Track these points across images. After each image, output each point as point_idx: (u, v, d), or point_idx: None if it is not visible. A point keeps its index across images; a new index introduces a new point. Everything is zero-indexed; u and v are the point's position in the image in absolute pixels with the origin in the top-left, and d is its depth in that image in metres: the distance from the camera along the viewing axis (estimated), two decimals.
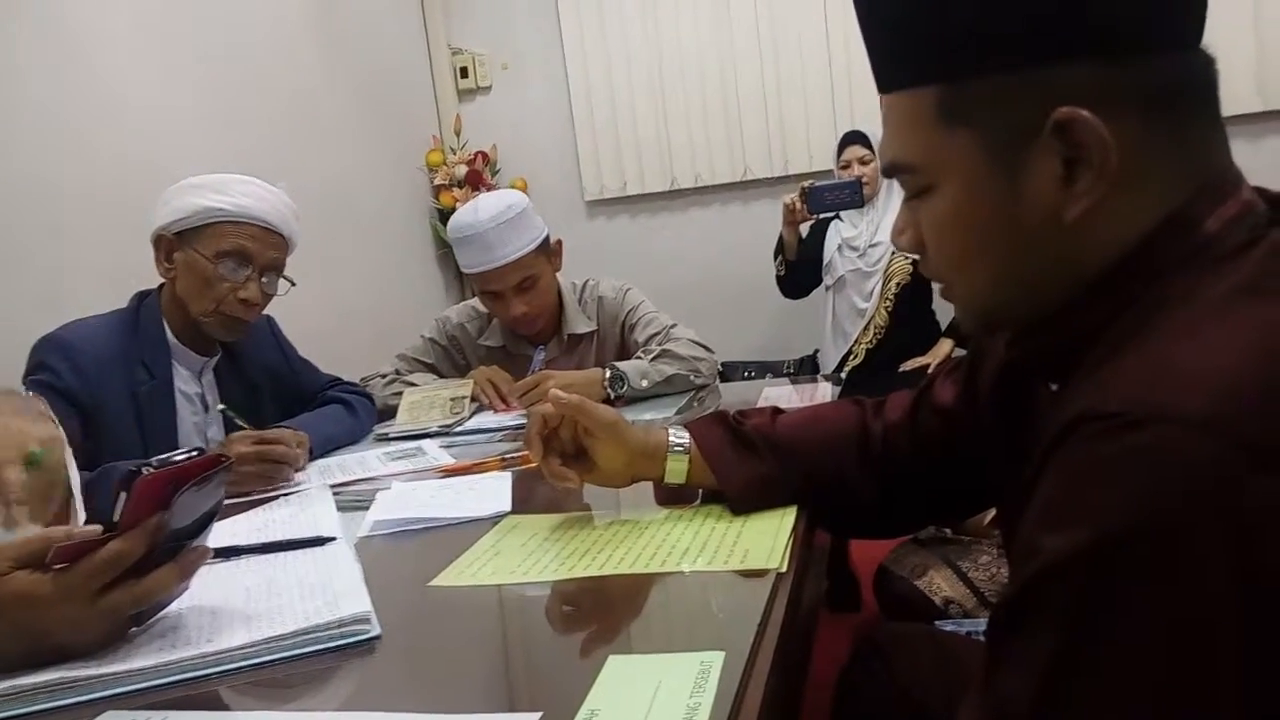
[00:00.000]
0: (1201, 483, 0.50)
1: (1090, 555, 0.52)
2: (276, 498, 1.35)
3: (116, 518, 0.75)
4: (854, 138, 3.27)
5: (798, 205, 3.14)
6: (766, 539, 0.92)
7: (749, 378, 3.31)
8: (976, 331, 0.76)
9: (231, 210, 1.63)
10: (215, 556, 1.01)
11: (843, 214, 3.29)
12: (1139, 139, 0.61)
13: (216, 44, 2.82)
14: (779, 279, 3.41)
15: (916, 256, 0.74)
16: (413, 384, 2.03)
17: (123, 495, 0.75)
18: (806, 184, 3.13)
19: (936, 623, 1.69)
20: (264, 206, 1.67)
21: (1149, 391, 0.54)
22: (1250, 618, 0.50)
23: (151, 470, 0.76)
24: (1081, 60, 0.61)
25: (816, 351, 3.53)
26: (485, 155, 4.18)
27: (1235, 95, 3.34)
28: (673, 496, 1.08)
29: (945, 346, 3.15)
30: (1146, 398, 0.54)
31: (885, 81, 0.70)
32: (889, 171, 0.71)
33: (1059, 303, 0.66)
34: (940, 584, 1.85)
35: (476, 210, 1.96)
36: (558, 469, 1.05)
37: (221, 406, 1.61)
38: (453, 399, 1.85)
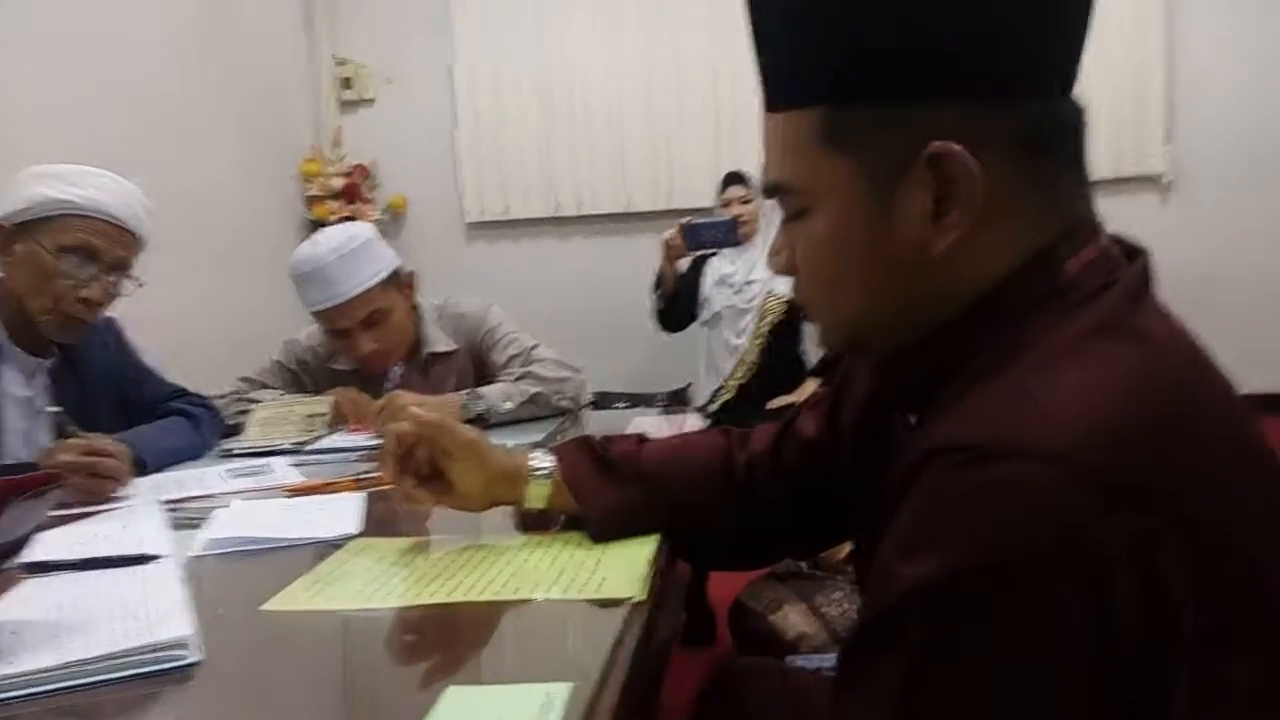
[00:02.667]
0: (1055, 517, 0.51)
1: (940, 586, 0.52)
2: (101, 511, 1.26)
3: None
4: (735, 178, 3.34)
5: (676, 241, 3.19)
6: (625, 568, 0.90)
7: (622, 408, 3.31)
8: (841, 351, 0.76)
9: (80, 203, 1.54)
10: (26, 571, 0.93)
11: (721, 251, 3.34)
12: (1007, 179, 0.62)
13: (81, 29, 2.67)
14: (657, 312, 3.44)
15: (790, 297, 0.75)
16: (257, 400, 1.92)
17: None
18: (685, 220, 3.19)
19: (788, 658, 1.70)
20: (115, 201, 1.57)
21: (1006, 425, 0.55)
22: (1098, 655, 0.50)
23: None
24: (958, 98, 0.62)
25: (689, 385, 3.56)
26: (364, 169, 4.09)
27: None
28: (533, 522, 1.05)
29: (811, 386, 3.21)
30: (1004, 431, 0.54)
31: (772, 100, 0.70)
32: (769, 191, 0.71)
33: (924, 333, 0.67)
34: (794, 619, 1.86)
35: (315, 243, 1.86)
36: (412, 490, 1.01)
37: (56, 409, 1.50)
38: (309, 415, 1.76)
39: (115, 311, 1.69)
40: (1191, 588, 0.51)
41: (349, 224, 2.04)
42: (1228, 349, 0.64)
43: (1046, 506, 0.51)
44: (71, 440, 1.41)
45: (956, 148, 0.61)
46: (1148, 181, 4.13)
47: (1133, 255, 0.66)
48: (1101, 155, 3.72)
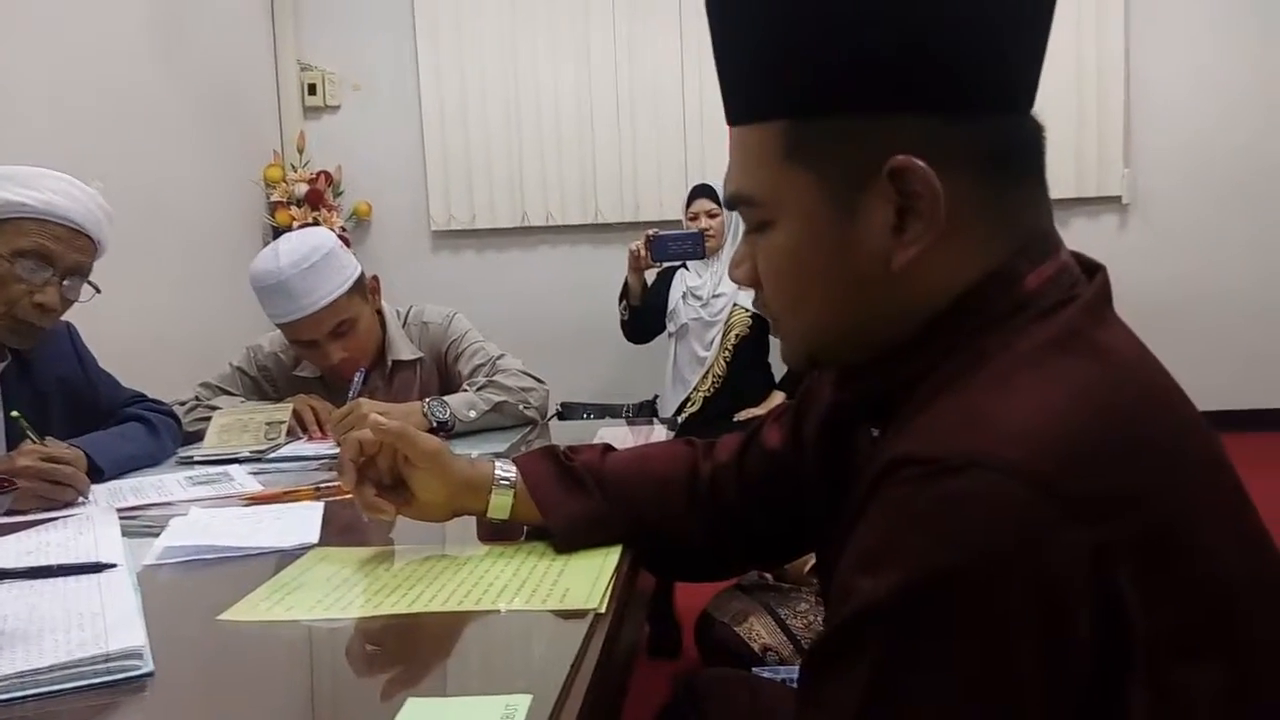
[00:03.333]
0: (1012, 528, 0.51)
1: (899, 599, 0.53)
2: (55, 519, 1.23)
3: None
4: (703, 191, 3.35)
5: (642, 252, 3.20)
6: (588, 579, 0.90)
7: (588, 418, 3.31)
8: (802, 367, 0.77)
9: (37, 207, 1.50)
10: None
11: (689, 264, 3.36)
12: (968, 194, 0.63)
13: (43, 31, 2.63)
14: (623, 323, 3.44)
15: (754, 309, 0.75)
16: (217, 407, 1.89)
17: None
18: (651, 232, 3.20)
19: (754, 669, 1.70)
20: (73, 205, 1.54)
21: (964, 439, 0.55)
22: (1056, 665, 0.51)
23: None
24: (921, 113, 0.62)
25: (656, 397, 3.56)
26: (329, 176, 4.05)
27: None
28: (496, 532, 1.04)
29: (777, 399, 3.23)
30: (962, 445, 0.55)
31: (735, 114, 0.70)
32: (731, 203, 0.71)
33: (886, 347, 0.68)
34: (760, 630, 1.87)
35: (277, 256, 1.82)
36: (372, 499, 0.99)
37: (15, 414, 1.46)
38: (268, 423, 1.73)
39: (74, 316, 1.65)
40: (1149, 598, 0.52)
41: (309, 232, 1.98)
42: (1179, 368, 0.65)
43: (1003, 518, 0.51)
44: (30, 446, 1.38)
45: (918, 162, 0.61)
46: (1107, 203, 4.21)
47: (1091, 271, 0.67)
48: (1062, 177, 3.79)
